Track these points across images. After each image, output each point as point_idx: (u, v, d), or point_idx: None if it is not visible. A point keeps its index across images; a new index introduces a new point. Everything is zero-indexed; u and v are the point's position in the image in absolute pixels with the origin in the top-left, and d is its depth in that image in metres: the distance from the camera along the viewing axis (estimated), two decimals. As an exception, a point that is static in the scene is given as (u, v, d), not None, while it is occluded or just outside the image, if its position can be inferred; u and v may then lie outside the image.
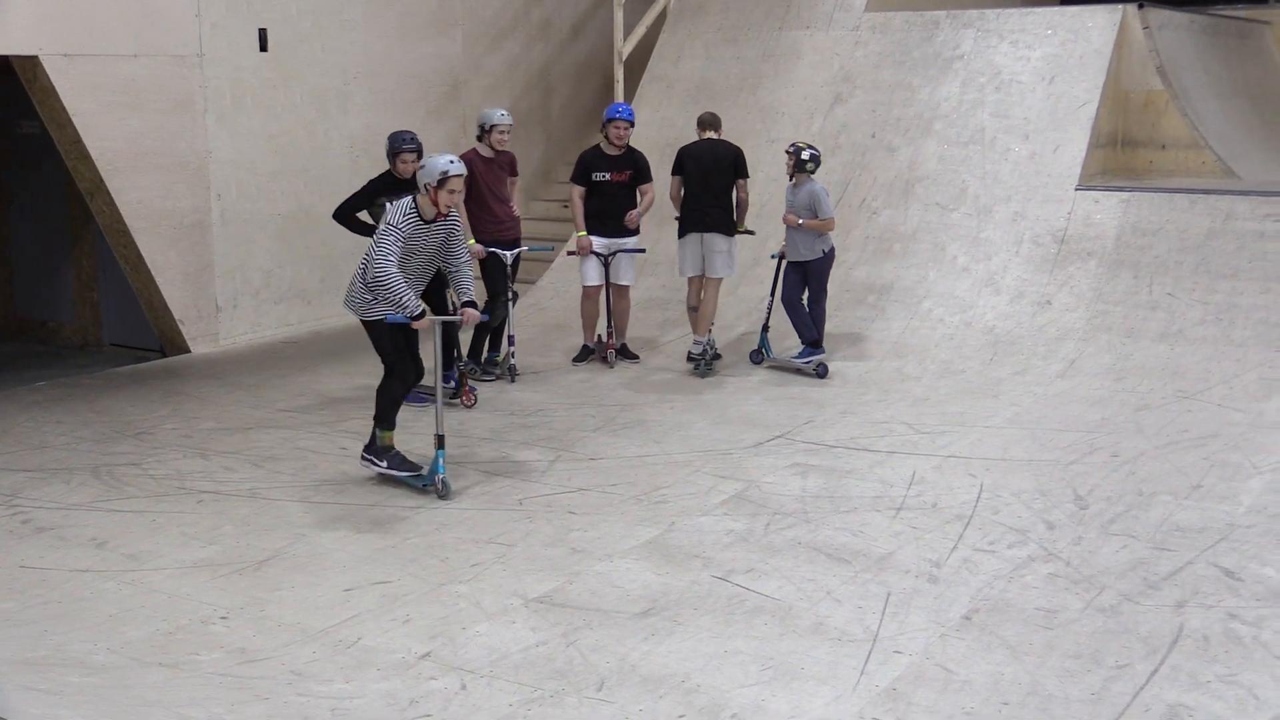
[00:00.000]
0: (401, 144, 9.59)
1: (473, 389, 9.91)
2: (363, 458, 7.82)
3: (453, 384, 9.80)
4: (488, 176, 10.53)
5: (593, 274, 10.86)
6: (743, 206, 10.60)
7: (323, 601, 6.01)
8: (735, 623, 5.75)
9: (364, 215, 9.71)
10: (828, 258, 10.42)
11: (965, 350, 10.51)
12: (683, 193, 10.64)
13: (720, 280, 10.72)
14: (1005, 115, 12.16)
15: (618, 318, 11.05)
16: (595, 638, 5.59)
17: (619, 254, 10.85)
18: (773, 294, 10.81)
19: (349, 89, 12.96)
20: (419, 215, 7.44)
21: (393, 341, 7.62)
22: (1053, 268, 10.94)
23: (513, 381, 10.41)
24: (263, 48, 11.81)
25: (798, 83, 13.48)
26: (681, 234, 10.68)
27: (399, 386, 7.72)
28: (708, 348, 10.63)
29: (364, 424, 9.12)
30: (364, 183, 9.86)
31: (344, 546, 6.74)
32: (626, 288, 11.04)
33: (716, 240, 10.48)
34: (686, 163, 10.60)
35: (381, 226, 7.37)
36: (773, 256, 10.89)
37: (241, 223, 12.04)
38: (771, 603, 5.96)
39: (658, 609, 5.90)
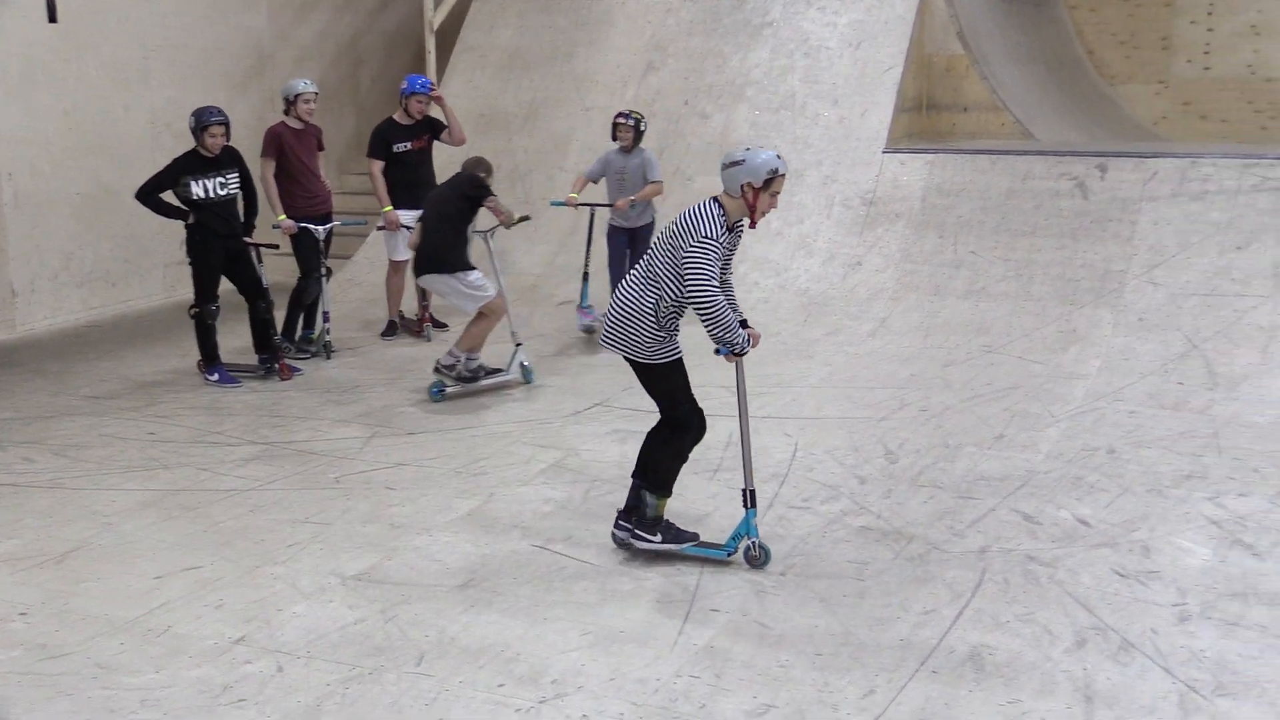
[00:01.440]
0: (209, 119, 9.32)
1: (293, 367, 9.74)
2: (625, 534, 6.11)
3: (270, 366, 9.62)
4: (298, 149, 10.31)
5: (400, 248, 10.71)
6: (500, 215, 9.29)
7: (131, 591, 5.83)
8: (555, 590, 5.76)
9: (170, 196, 9.41)
10: (651, 226, 10.54)
11: (780, 313, 10.68)
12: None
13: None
14: (815, 81, 12.36)
15: (427, 292, 10.95)
16: (414, 612, 5.55)
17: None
18: (589, 245, 10.82)
19: (149, 62, 12.53)
20: (727, 223, 5.78)
21: (688, 387, 6.09)
22: (862, 229, 11.18)
23: (328, 358, 10.24)
24: (52, 18, 11.33)
25: (611, 50, 13.49)
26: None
27: (691, 441, 6.14)
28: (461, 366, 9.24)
29: (175, 406, 8.89)
30: (168, 161, 9.54)
31: (153, 534, 6.55)
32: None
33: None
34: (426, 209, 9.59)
35: (693, 247, 5.64)
36: (553, 204, 11.12)
37: (36, 203, 11.56)
38: (591, 568, 6.00)
39: (477, 580, 5.88)
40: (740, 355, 5.85)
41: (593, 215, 10.78)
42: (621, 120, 10.48)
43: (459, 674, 4.97)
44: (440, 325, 11.14)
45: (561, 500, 6.92)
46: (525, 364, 9.39)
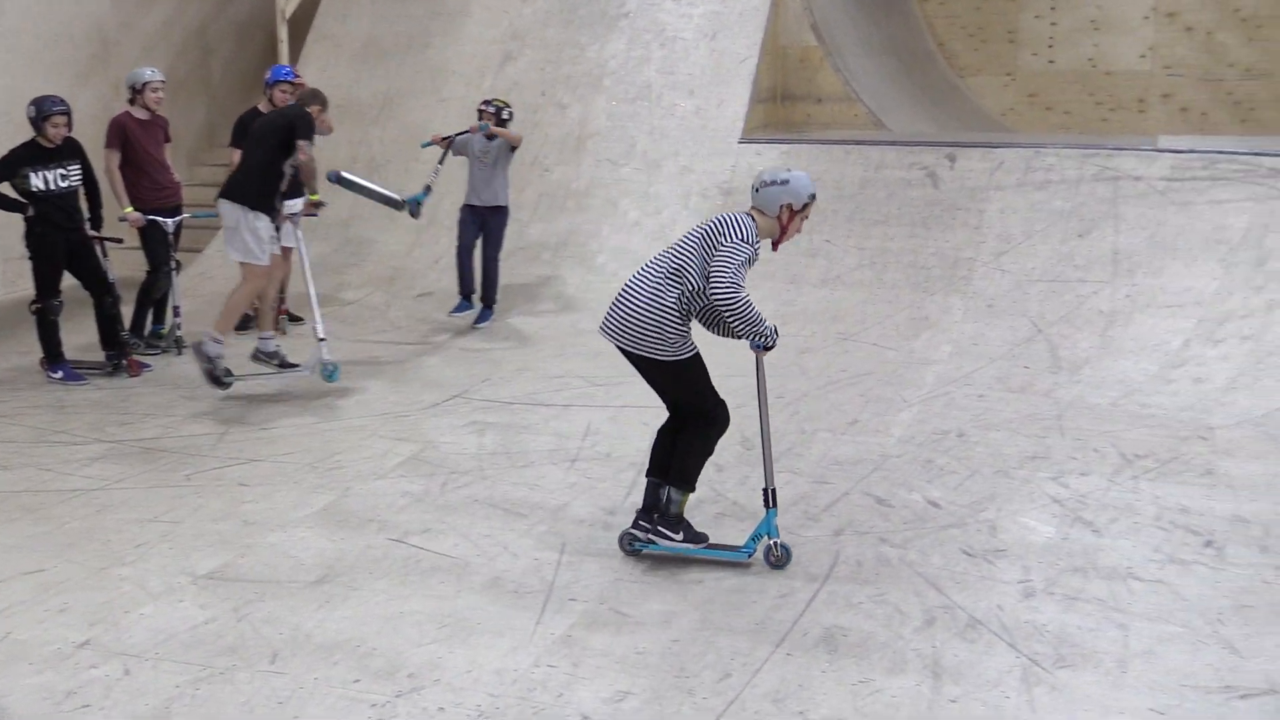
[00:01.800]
0: (50, 109, 9.04)
1: (142, 363, 9.51)
2: (645, 533, 5.98)
3: (117, 362, 9.38)
4: (144, 140, 10.06)
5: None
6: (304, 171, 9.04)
7: (-31, 596, 5.64)
8: (411, 584, 5.72)
9: (8, 188, 9.10)
10: (506, 211, 10.63)
11: (639, 303, 10.71)
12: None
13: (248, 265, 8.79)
14: (671, 71, 12.43)
15: (284, 281, 10.76)
16: (268, 610, 5.45)
17: (290, 216, 10.56)
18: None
19: (-16, 49, 12.11)
20: (758, 237, 5.76)
21: (710, 380, 6.02)
22: (719, 219, 11.26)
23: (179, 354, 10.01)
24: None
25: (467, 41, 13.40)
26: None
27: (719, 434, 6.05)
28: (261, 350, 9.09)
29: (17, 404, 8.61)
30: (4, 152, 9.22)
31: (-7, 536, 6.34)
32: (290, 250, 10.75)
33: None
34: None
35: (733, 245, 5.58)
36: (424, 145, 11.03)
37: None
38: (448, 561, 5.96)
39: (332, 575, 5.81)
40: (769, 349, 5.83)
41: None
42: (484, 108, 10.57)
43: (313, 671, 4.91)
44: (296, 319, 10.96)
45: (419, 493, 6.86)
46: (327, 361, 8.97)
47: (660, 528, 5.93)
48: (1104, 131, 16.54)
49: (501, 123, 10.55)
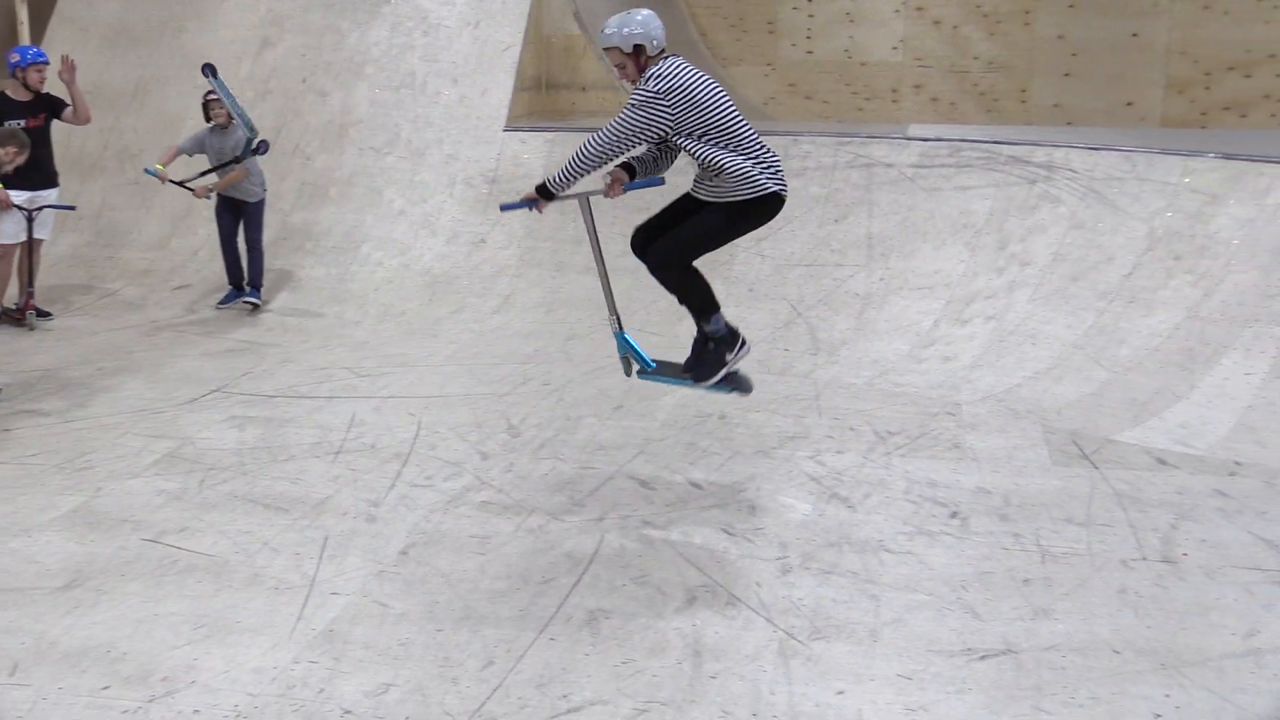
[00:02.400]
0: None
1: None
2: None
3: None
4: None
5: (10, 230, 10.00)
6: None
7: None
8: (166, 585, 5.54)
9: None
10: (262, 201, 10.42)
11: (405, 292, 10.62)
12: None
13: None
14: (435, 59, 12.31)
15: (34, 273, 10.28)
16: (8, 619, 5.21)
17: (45, 209, 10.10)
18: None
19: None
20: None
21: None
22: (485, 208, 11.24)
23: (-87, 353, 9.46)
24: None
25: (223, 26, 13.00)
26: None
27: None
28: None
29: None
30: None
31: None
32: (42, 241, 10.29)
33: None
34: None
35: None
36: (147, 171, 10.54)
37: None
38: (205, 559, 5.80)
39: (81, 580, 5.58)
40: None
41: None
42: (214, 97, 10.29)
43: (59, 680, 4.71)
44: (45, 314, 10.47)
45: (175, 491, 6.65)
46: None
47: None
48: (860, 120, 17.10)
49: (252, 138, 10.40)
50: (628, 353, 6.63)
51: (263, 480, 6.80)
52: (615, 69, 6.20)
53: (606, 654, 4.95)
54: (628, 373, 6.70)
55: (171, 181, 10.28)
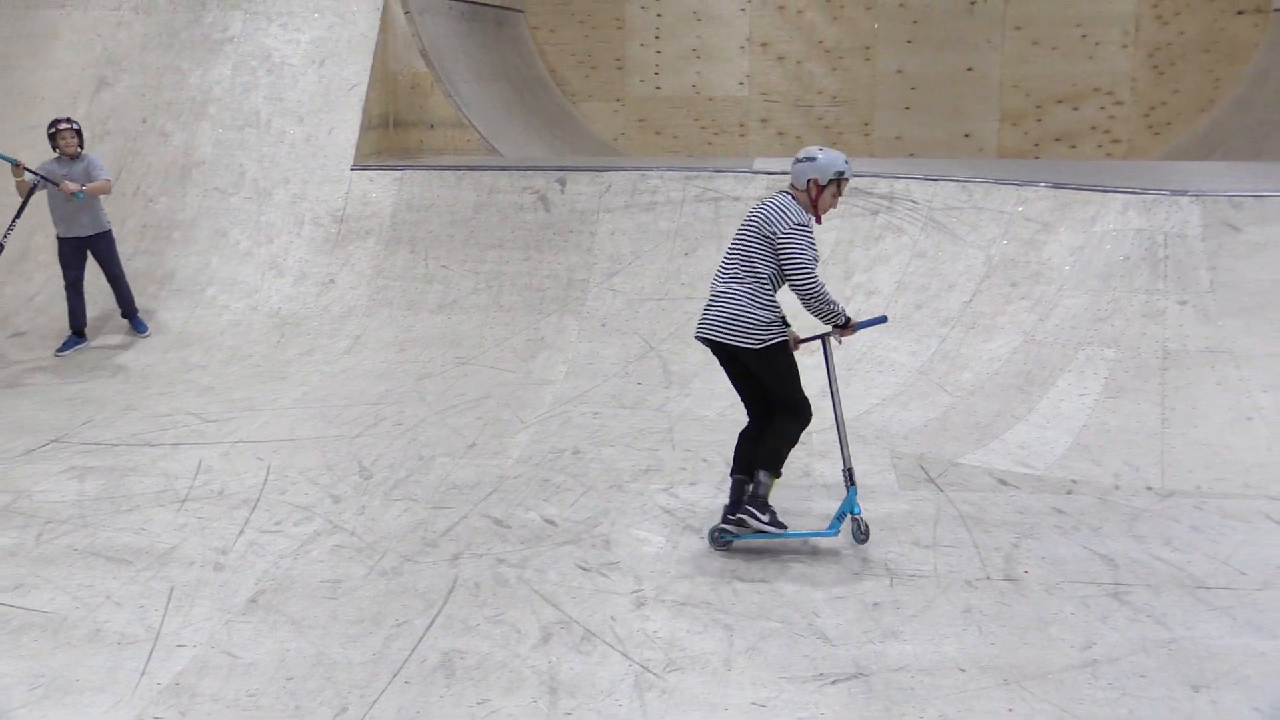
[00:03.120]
0: None
1: None
2: (739, 518, 6.26)
3: None
4: None
5: None
6: None
7: None
8: (0, 645, 5.35)
9: None
10: (109, 234, 10.30)
11: (252, 335, 10.44)
12: None
13: None
14: (279, 98, 12.17)
15: None
16: None
17: None
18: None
19: None
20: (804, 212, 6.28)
21: (797, 376, 6.31)
22: (334, 247, 11.13)
23: None
24: None
25: (57, 65, 12.66)
26: None
27: (803, 426, 6.34)
28: None
29: None
30: None
31: None
32: None
33: None
34: None
35: (790, 230, 6.11)
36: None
37: None
38: (42, 617, 5.61)
39: (-90, 643, 5.36)
40: (847, 327, 6.34)
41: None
42: (65, 125, 10.17)
43: (-114, 748, 4.52)
44: None
45: (10, 547, 6.42)
46: None
47: (749, 505, 6.24)
48: (709, 154, 17.38)
49: (82, 139, 10.26)
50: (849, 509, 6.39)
51: (104, 532, 6.61)
52: (818, 192, 6.34)
53: (462, 695, 4.92)
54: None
55: (29, 170, 10.13)
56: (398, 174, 11.51)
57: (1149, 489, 7.23)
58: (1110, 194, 9.18)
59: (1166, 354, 8.16)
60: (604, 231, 10.67)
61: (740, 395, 6.54)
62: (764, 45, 17.60)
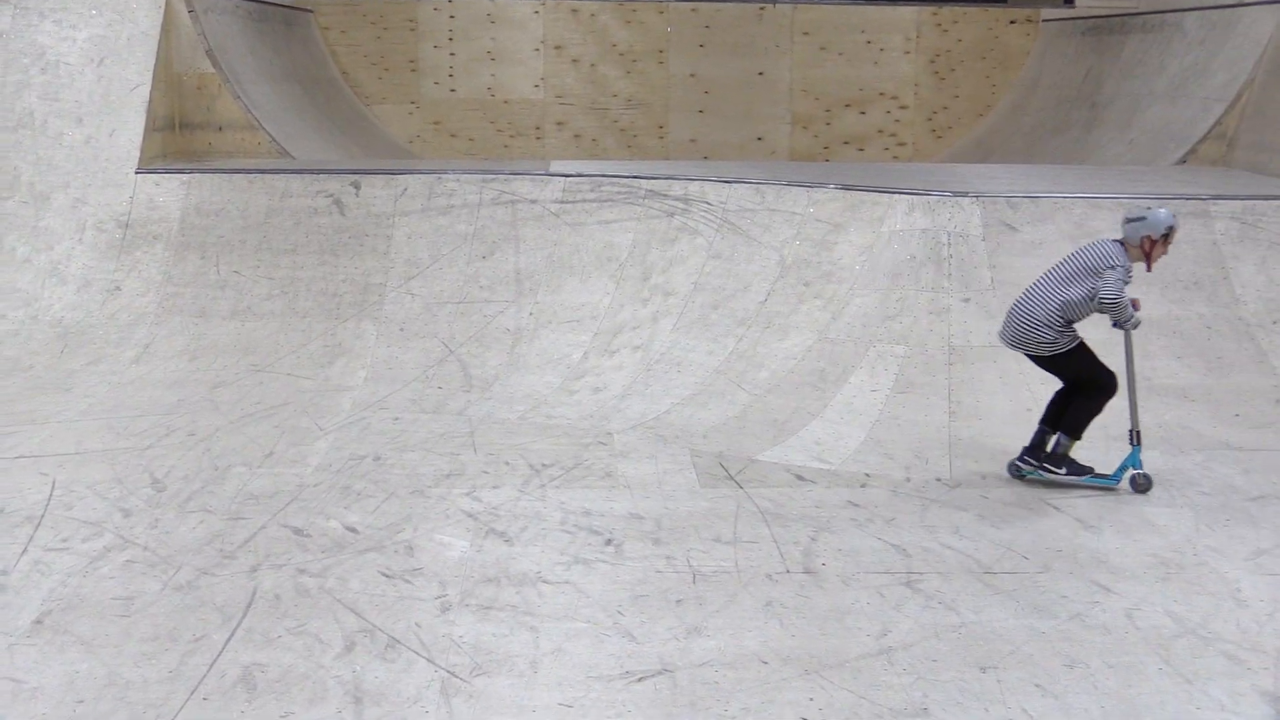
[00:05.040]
0: None
1: None
2: (1030, 467, 7.45)
3: None
4: None
5: None
6: None
7: None
8: None
9: None
10: None
11: (33, 345, 9.98)
12: None
13: None
14: (56, 98, 11.67)
15: None
16: None
17: None
18: None
19: None
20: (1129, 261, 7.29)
21: (1095, 358, 7.37)
22: (119, 253, 10.73)
23: None
24: None
25: None
26: None
27: (1108, 398, 7.36)
28: None
29: None
30: None
31: None
32: None
33: None
34: None
35: (1116, 267, 7.16)
36: None
37: None
38: None
39: None
40: (1135, 326, 7.32)
41: None
42: None
43: None
44: None
45: None
46: None
47: (1047, 464, 7.39)
48: (506, 157, 17.35)
49: None
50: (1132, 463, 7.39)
51: (-127, 556, 6.25)
52: (1151, 245, 7.29)
53: (264, 709, 4.82)
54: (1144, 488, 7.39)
55: None
56: (185, 177, 11.15)
57: (938, 480, 7.51)
58: (897, 195, 9.52)
59: (952, 349, 8.51)
60: (401, 235, 10.55)
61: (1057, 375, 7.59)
62: (558, 48, 17.67)
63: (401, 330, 9.88)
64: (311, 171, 11.18)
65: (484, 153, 17.67)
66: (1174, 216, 7.33)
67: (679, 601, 5.84)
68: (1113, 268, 7.21)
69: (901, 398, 8.23)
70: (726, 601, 5.84)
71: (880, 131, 17.79)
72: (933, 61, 17.77)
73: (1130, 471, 7.35)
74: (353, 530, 6.64)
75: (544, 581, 6.04)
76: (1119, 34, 15.39)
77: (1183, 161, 12.63)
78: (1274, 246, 9.24)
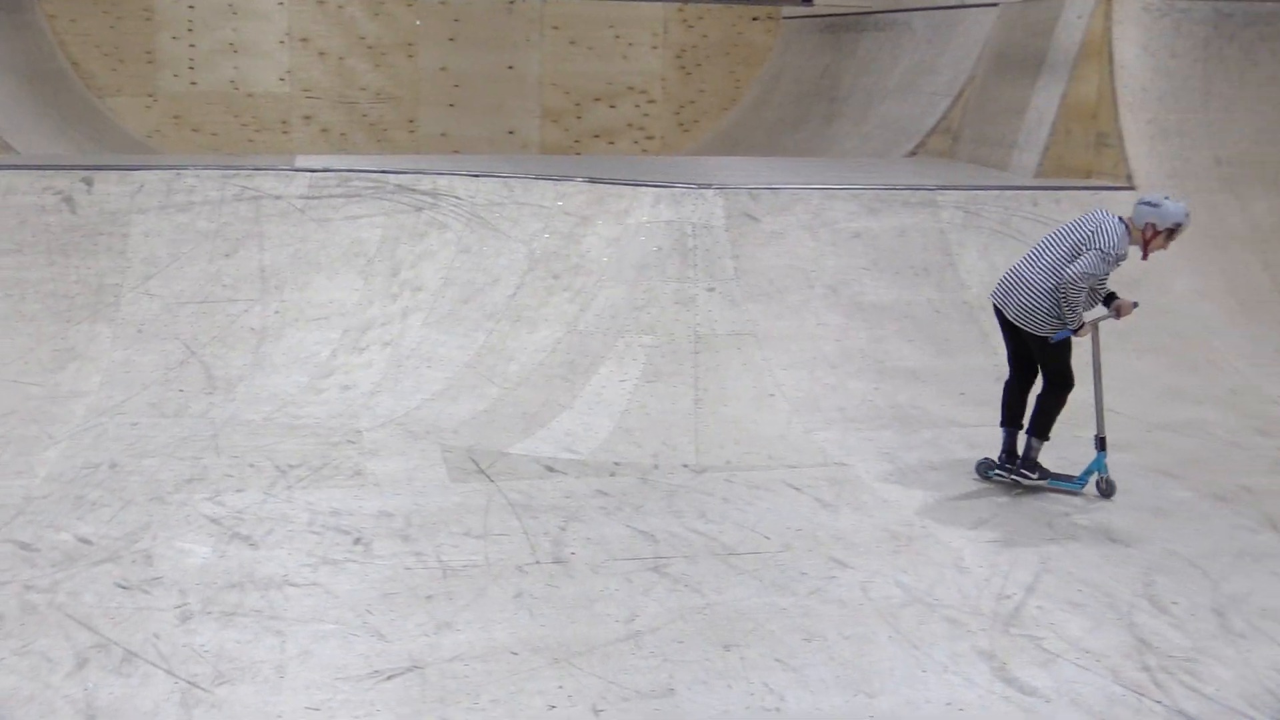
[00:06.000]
0: None
1: None
2: (1004, 473, 7.40)
3: None
4: None
5: None
6: None
7: None
8: None
9: None
10: None
11: None
12: None
13: None
14: None
15: None
16: None
17: None
18: None
19: None
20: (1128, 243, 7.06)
21: (1069, 355, 7.25)
22: None
23: None
24: None
25: None
26: None
27: (1067, 396, 7.30)
28: None
29: None
30: None
31: None
32: None
33: None
34: None
35: (1096, 250, 6.93)
36: None
37: None
38: None
39: None
40: (1077, 334, 7.08)
41: None
42: None
43: None
44: None
45: None
46: None
47: (1022, 469, 7.32)
48: (252, 152, 16.89)
49: None
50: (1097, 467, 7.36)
51: None
52: (1153, 235, 7.05)
53: (-14, 734, 4.59)
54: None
55: None
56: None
57: (685, 466, 7.68)
58: (642, 188, 9.67)
59: (698, 338, 8.70)
60: (137, 233, 10.14)
61: (1009, 353, 7.54)
62: (304, 40, 17.30)
63: (139, 332, 9.50)
64: (38, 167, 10.64)
65: (228, 148, 17.16)
66: (1187, 216, 7.05)
67: (429, 598, 5.82)
68: (1097, 250, 6.91)
69: (649, 387, 8.37)
70: (476, 595, 5.85)
71: (630, 125, 18.03)
72: (679, 56, 18.09)
73: (1096, 475, 7.31)
74: (86, 541, 6.37)
75: (290, 584, 5.93)
76: (854, 32, 15.97)
77: (913, 154, 13.20)
78: (994, 234, 9.77)
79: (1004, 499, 7.24)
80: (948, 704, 4.96)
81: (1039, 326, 7.16)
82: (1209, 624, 5.71)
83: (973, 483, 7.47)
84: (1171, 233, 7.06)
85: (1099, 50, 10.87)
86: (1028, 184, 10.59)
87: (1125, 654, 5.40)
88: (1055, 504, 7.20)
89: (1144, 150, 10.57)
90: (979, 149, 12.39)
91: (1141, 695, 5.05)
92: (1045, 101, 11.35)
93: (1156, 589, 6.05)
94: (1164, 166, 10.42)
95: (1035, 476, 7.33)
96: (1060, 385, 7.30)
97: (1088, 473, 7.35)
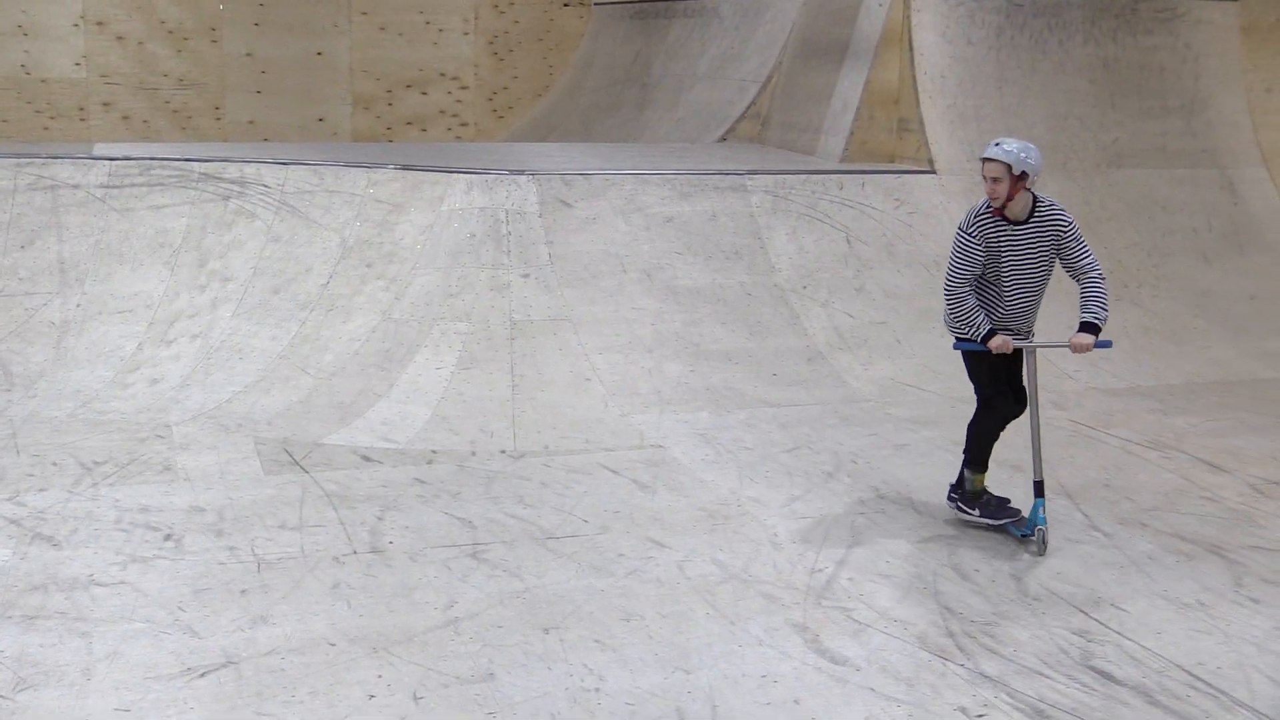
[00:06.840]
0: None
1: None
2: (953, 504, 6.72)
3: None
4: None
5: None
6: None
7: None
8: None
9: None
10: None
11: None
12: None
13: None
14: None
15: None
16: None
17: None
18: None
19: None
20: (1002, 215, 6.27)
21: (991, 371, 6.39)
22: None
23: None
24: None
25: None
26: None
27: (995, 422, 6.47)
28: None
29: None
30: None
31: None
32: None
33: None
34: None
35: (954, 243, 6.34)
36: None
37: None
38: None
39: None
40: (988, 346, 6.21)
41: None
42: None
43: None
44: None
45: None
46: None
47: (962, 504, 6.64)
48: (47, 140, 16.24)
49: None
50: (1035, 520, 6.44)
51: None
52: (989, 180, 6.21)
53: None
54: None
55: None
56: None
57: (503, 452, 7.70)
58: (455, 175, 9.63)
59: (514, 324, 8.71)
60: (-79, 225, 9.72)
61: None
62: (100, 24, 16.69)
63: (-73, 329, 9.11)
64: None
65: (21, 135, 16.46)
66: (995, 145, 6.26)
67: (243, 592, 5.73)
68: (957, 231, 6.33)
69: (466, 374, 8.36)
70: (293, 588, 5.77)
71: (442, 112, 17.88)
72: (491, 43, 18.01)
73: (1038, 529, 6.37)
74: (-125, 548, 6.10)
75: (97, 584, 5.77)
76: (664, 18, 16.13)
77: (724, 139, 13.41)
78: (802, 217, 10.00)
79: (817, 476, 7.44)
80: (763, 676, 5.09)
81: (951, 331, 6.51)
82: (1008, 589, 5.98)
83: (787, 460, 7.66)
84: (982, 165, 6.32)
85: (899, 38, 11.20)
86: (834, 168, 10.85)
87: (931, 621, 5.62)
88: (865, 481, 7.43)
89: (944, 135, 10.92)
90: (787, 134, 12.65)
91: (946, 660, 5.26)
92: (849, 88, 11.65)
93: (960, 558, 6.30)
94: (964, 150, 10.78)
95: (976, 514, 6.59)
96: (980, 405, 6.54)
97: (1031, 524, 6.43)
